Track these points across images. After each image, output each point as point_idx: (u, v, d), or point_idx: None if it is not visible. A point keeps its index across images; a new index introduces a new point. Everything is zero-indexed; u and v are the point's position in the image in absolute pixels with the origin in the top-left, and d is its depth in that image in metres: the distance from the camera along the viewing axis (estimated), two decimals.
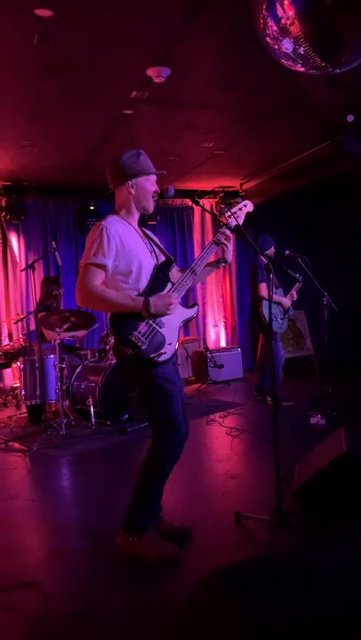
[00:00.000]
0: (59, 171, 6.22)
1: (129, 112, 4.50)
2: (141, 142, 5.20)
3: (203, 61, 3.70)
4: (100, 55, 3.51)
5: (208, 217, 7.88)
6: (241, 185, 7.57)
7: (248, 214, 2.76)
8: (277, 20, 1.94)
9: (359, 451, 2.77)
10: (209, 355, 7.11)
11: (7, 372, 6.24)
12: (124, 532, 2.45)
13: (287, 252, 5.40)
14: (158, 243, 2.62)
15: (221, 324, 8.22)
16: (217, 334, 8.19)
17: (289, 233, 7.38)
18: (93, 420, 4.88)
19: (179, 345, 2.53)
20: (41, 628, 2.01)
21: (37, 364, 5.10)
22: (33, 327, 5.34)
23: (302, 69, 2.17)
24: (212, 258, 2.62)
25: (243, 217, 2.66)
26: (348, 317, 6.93)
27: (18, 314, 6.48)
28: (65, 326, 4.81)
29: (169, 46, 3.43)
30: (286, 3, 1.87)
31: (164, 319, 2.38)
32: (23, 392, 5.28)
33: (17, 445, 4.59)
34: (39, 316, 5.10)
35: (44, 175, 6.40)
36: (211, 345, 7.81)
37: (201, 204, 2.87)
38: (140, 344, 2.29)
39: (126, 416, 5.11)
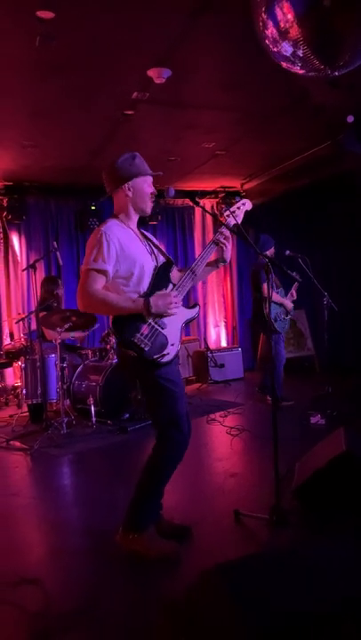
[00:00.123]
0: (60, 171, 6.24)
1: (130, 112, 4.51)
2: (143, 142, 5.22)
3: (204, 62, 3.71)
4: (101, 56, 3.52)
5: (209, 217, 7.89)
6: (242, 185, 7.58)
7: (249, 214, 2.77)
8: (277, 23, 1.96)
9: (358, 450, 2.79)
10: (210, 354, 7.12)
11: (8, 371, 6.26)
12: (125, 529, 2.47)
13: (288, 252, 5.40)
14: (157, 244, 2.64)
15: (222, 324, 8.23)
16: (218, 334, 8.21)
17: (290, 233, 7.39)
18: (94, 419, 4.90)
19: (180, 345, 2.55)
20: (42, 624, 2.03)
21: (38, 364, 5.12)
22: (34, 327, 5.36)
23: (302, 72, 2.19)
24: (212, 257, 2.63)
25: (241, 216, 2.67)
26: (348, 317, 6.94)
27: (19, 313, 6.50)
28: (66, 326, 4.83)
29: (170, 47, 3.44)
30: (285, 6, 1.89)
31: (165, 320, 2.40)
32: (24, 391, 5.30)
33: (18, 444, 4.61)
34: (40, 315, 5.12)
35: (46, 175, 6.42)
36: (211, 345, 7.83)
37: (201, 204, 2.88)
38: (143, 346, 2.31)
39: (127, 415, 5.13)
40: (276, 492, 2.72)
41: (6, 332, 6.70)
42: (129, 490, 2.51)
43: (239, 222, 2.63)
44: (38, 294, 5.40)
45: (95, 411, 4.92)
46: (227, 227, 2.59)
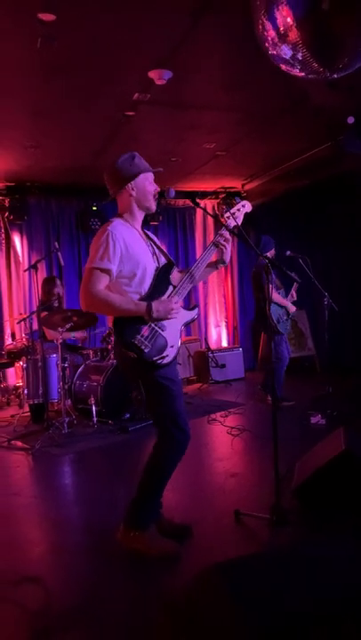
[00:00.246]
0: (61, 171, 6.26)
1: (131, 113, 4.53)
2: (144, 143, 5.24)
3: (205, 63, 3.72)
4: (102, 56, 3.53)
5: (210, 217, 7.91)
6: (243, 186, 7.60)
7: (249, 215, 2.78)
8: (276, 26, 1.98)
9: (358, 450, 2.80)
10: (210, 354, 7.14)
11: (10, 371, 6.29)
12: (126, 527, 2.49)
13: (288, 252, 5.41)
14: (159, 245, 2.66)
15: (223, 324, 8.24)
16: (218, 334, 8.22)
17: (290, 233, 7.40)
18: (95, 419, 4.92)
19: (180, 346, 2.57)
20: (42, 623, 2.05)
21: (40, 364, 5.14)
22: (36, 327, 5.38)
23: (301, 74, 2.20)
24: (212, 258, 2.65)
25: (241, 217, 2.68)
26: (348, 318, 6.95)
27: (21, 313, 6.52)
28: (67, 326, 4.85)
29: (171, 48, 3.45)
30: (284, 9, 1.91)
31: (165, 322, 2.42)
32: (26, 391, 5.32)
33: (19, 444, 4.63)
34: (42, 315, 5.14)
35: (47, 176, 6.44)
36: (212, 345, 7.84)
37: (202, 205, 2.90)
38: (143, 347, 2.33)
39: (128, 415, 5.14)
40: (277, 491, 2.73)
41: (8, 332, 6.71)
42: (129, 489, 2.53)
43: (239, 224, 2.65)
44: (40, 295, 5.41)
45: (96, 410, 4.94)
46: (227, 228, 2.61)
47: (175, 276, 2.57)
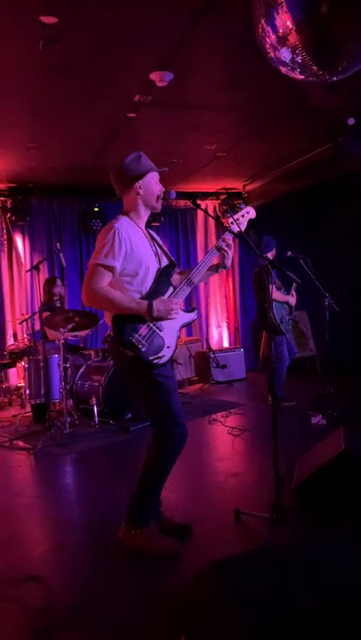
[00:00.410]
0: (63, 172, 6.28)
1: (132, 115, 4.55)
2: (145, 144, 5.25)
3: (206, 63, 3.72)
4: (103, 57, 3.54)
5: (211, 218, 7.92)
6: (244, 186, 7.61)
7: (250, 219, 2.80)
8: (275, 29, 1.99)
9: (358, 450, 2.81)
10: (212, 355, 7.14)
11: (12, 371, 6.31)
12: (127, 525, 2.51)
13: (289, 253, 5.42)
14: (162, 245, 2.68)
15: (224, 325, 8.25)
16: (220, 335, 8.23)
17: (291, 234, 7.41)
18: (97, 419, 4.94)
19: (180, 345, 2.59)
20: (43, 620, 2.06)
21: (42, 364, 5.16)
22: (37, 327, 5.40)
23: (301, 77, 2.22)
24: (214, 261, 2.67)
25: (245, 224, 2.71)
26: (349, 318, 6.96)
27: (23, 314, 6.54)
28: (69, 326, 4.87)
29: (173, 50, 3.46)
30: (284, 12, 1.92)
31: (163, 323, 2.44)
32: (28, 391, 5.34)
33: (21, 444, 4.65)
34: (44, 315, 5.16)
35: (49, 176, 6.46)
36: (214, 345, 7.85)
37: (203, 207, 2.92)
38: (140, 346, 2.35)
39: (129, 415, 5.16)
40: (276, 490, 2.74)
41: (10, 332, 6.73)
42: (130, 488, 2.54)
43: (243, 230, 2.67)
44: (41, 295, 5.43)
45: (98, 411, 4.96)
46: (230, 231, 2.63)
47: (175, 277, 2.59)
